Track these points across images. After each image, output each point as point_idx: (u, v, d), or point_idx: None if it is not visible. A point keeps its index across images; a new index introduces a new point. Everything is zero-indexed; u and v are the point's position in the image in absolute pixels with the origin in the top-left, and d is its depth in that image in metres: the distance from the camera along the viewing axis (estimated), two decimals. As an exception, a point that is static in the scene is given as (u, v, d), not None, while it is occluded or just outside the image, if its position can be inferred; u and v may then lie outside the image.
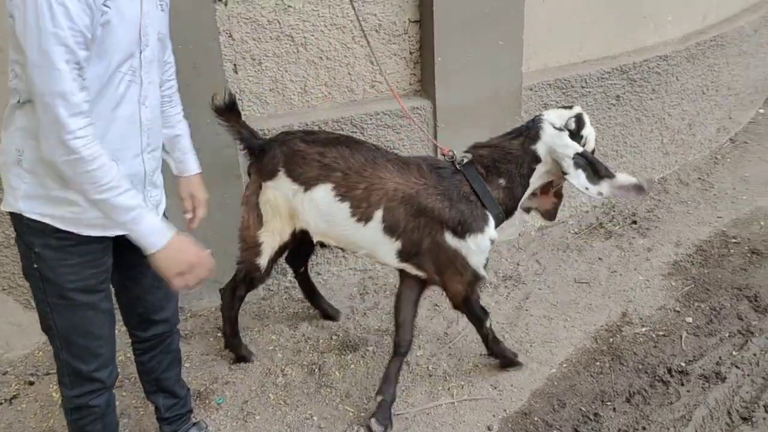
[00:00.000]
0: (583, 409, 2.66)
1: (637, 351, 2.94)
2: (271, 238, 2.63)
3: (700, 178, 4.38)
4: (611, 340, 3.02)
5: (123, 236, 1.83)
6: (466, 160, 2.49)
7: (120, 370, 2.82)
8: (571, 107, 2.56)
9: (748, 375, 2.77)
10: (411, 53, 3.26)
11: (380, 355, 2.96)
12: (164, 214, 2.07)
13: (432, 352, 2.98)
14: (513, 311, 3.23)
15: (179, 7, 2.65)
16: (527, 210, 2.78)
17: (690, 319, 3.13)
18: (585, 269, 3.53)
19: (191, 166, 2.19)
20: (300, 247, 2.85)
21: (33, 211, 1.76)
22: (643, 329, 3.08)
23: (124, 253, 1.96)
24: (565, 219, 3.93)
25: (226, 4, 2.87)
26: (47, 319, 1.89)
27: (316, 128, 3.09)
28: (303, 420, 2.65)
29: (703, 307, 3.20)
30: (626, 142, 4.07)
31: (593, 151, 2.55)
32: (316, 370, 2.89)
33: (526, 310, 3.24)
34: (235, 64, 2.99)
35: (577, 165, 2.44)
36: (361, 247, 2.57)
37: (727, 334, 3.01)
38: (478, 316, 2.69)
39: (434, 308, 3.26)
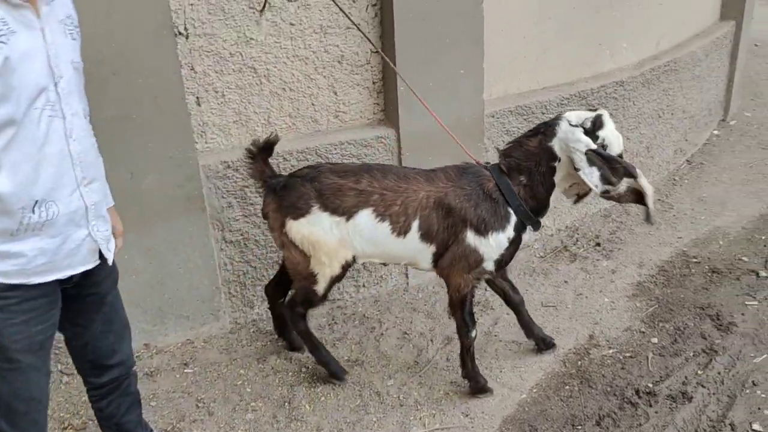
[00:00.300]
0: (555, 433, 2.66)
1: (605, 373, 2.97)
2: (323, 268, 2.66)
3: (659, 200, 4.48)
4: (580, 363, 3.04)
5: (69, 285, 1.78)
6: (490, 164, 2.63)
7: (84, 410, 2.77)
8: (595, 109, 2.59)
9: (714, 394, 2.81)
10: (374, 83, 3.29)
11: (351, 385, 2.93)
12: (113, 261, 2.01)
13: (402, 382, 2.97)
14: (482, 337, 3.23)
15: (139, 41, 2.66)
16: None
17: (655, 340, 3.17)
18: (551, 293, 3.56)
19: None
20: (284, 279, 2.89)
21: None
22: (611, 351, 3.11)
23: (71, 302, 1.91)
24: (530, 243, 3.97)
25: (187, 38, 2.86)
26: None
27: (286, 156, 3.10)
28: (273, 456, 2.61)
29: (668, 327, 3.25)
30: (587, 165, 4.14)
31: (620, 157, 2.53)
32: (286, 403, 2.85)
33: (495, 335, 3.25)
34: (197, 97, 2.97)
35: (590, 162, 2.48)
36: (403, 258, 2.71)
37: (691, 354, 3.06)
38: (466, 322, 2.74)
39: (403, 337, 3.25)
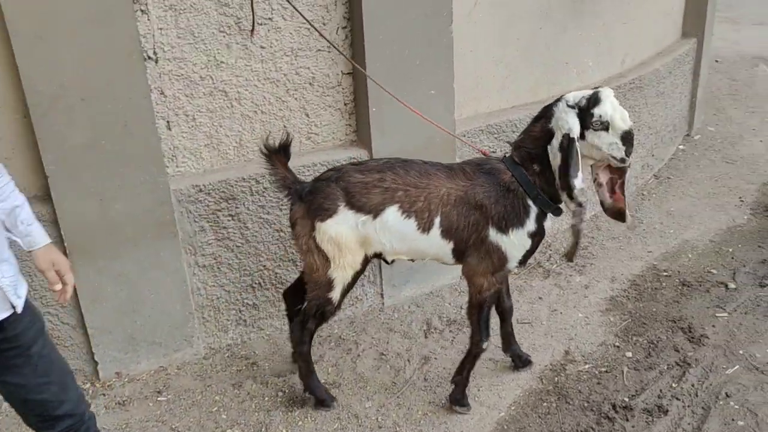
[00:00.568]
0: (534, 451, 2.67)
1: (581, 389, 2.98)
2: (343, 272, 2.66)
3: (630, 215, 4.53)
4: (556, 379, 3.06)
5: None
6: (501, 155, 2.66)
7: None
8: (597, 88, 2.54)
9: (689, 406, 2.84)
10: (345, 104, 3.30)
11: (328, 409, 2.91)
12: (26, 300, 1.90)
13: (381, 403, 2.95)
14: (459, 356, 3.21)
15: (107, 66, 2.65)
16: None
17: (630, 354, 3.20)
18: (526, 309, 3.58)
19: (40, 237, 1.93)
20: (303, 284, 2.85)
21: None
22: (586, 366, 3.13)
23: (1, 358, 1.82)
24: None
25: (156, 62, 2.85)
26: None
27: (259, 179, 3.08)
28: (251, 484, 2.57)
29: (641, 341, 3.28)
30: (558, 182, 4.19)
31: (626, 134, 2.46)
32: (263, 429, 2.81)
33: (472, 353, 3.25)
34: (168, 121, 2.95)
35: (560, 146, 2.48)
36: (428, 254, 2.71)
37: (665, 367, 3.09)
38: (480, 329, 2.76)
39: (380, 357, 3.23)
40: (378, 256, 2.71)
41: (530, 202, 2.60)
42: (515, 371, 3.10)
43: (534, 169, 2.59)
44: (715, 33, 6.08)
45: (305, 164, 3.18)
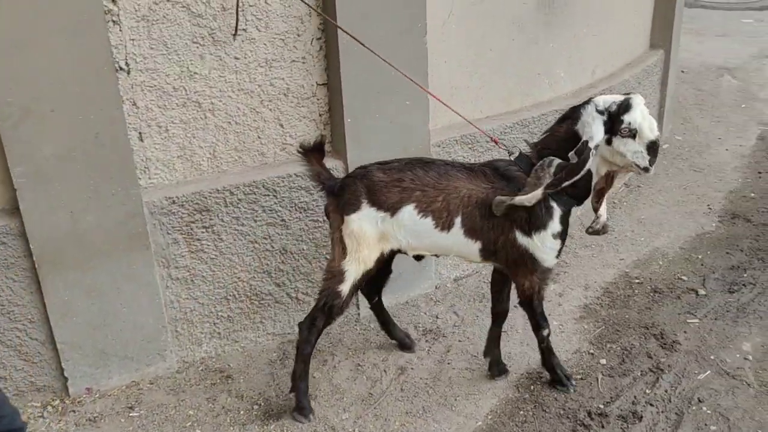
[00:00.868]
0: (511, 460, 2.67)
1: (557, 396, 3.00)
2: (356, 266, 2.75)
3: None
4: (532, 387, 3.07)
5: None
6: (518, 152, 2.70)
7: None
8: (628, 94, 2.56)
9: (663, 412, 2.88)
10: (320, 115, 3.29)
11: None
12: None
13: (357, 414, 2.93)
14: (435, 365, 3.23)
15: (78, 77, 2.61)
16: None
17: (604, 361, 3.23)
18: (502, 318, 3.59)
19: None
20: (375, 277, 2.94)
21: None
22: (562, 374, 3.16)
23: None
24: (479, 268, 4.01)
25: (128, 73, 2.82)
26: None
27: (233, 190, 3.06)
28: (227, 499, 2.53)
29: (615, 347, 3.32)
30: (531, 191, 4.23)
31: (652, 144, 2.47)
32: (239, 444, 2.78)
33: (449, 363, 3.25)
34: (140, 132, 2.92)
35: (577, 151, 2.49)
36: (451, 251, 2.80)
37: (639, 373, 3.12)
38: (537, 321, 2.89)
39: (357, 368, 3.22)
40: (399, 251, 2.82)
41: (553, 204, 2.62)
42: (492, 380, 3.11)
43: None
44: (680, 44, 6.21)
45: (280, 175, 3.17)
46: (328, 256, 3.20)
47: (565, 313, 3.63)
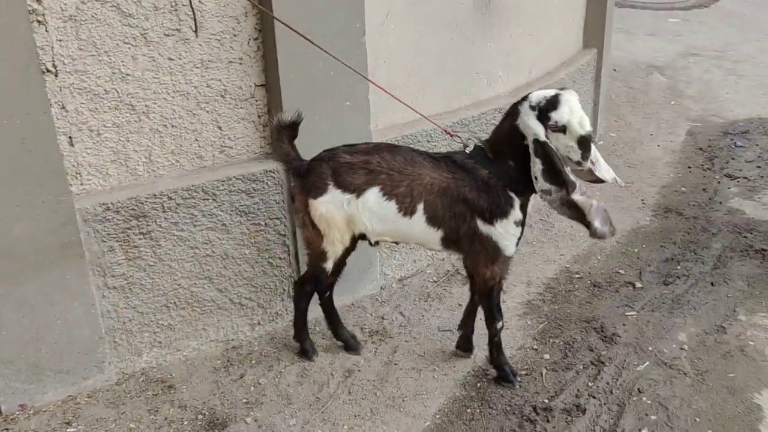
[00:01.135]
0: (460, 458, 2.68)
1: (503, 393, 3.03)
2: (333, 246, 2.87)
3: (541, 219, 4.68)
4: (479, 385, 3.09)
5: None
6: (472, 145, 2.75)
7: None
8: (561, 89, 2.57)
9: (605, 404, 2.94)
10: (259, 116, 3.23)
11: (251, 429, 2.83)
12: None
13: (305, 419, 2.89)
14: (382, 367, 3.22)
15: (2, 80, 2.48)
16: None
17: (547, 356, 3.28)
18: (447, 317, 3.61)
19: None
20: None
21: None
22: (507, 370, 3.19)
23: None
24: (423, 268, 4.02)
25: (56, 75, 2.70)
26: None
27: (171, 195, 2.97)
28: None
29: (558, 342, 3.38)
30: (472, 190, 4.27)
31: (582, 139, 2.47)
32: (183, 456, 2.71)
33: (395, 364, 3.24)
34: (70, 137, 2.80)
35: (535, 152, 2.53)
36: (412, 238, 2.85)
37: (581, 367, 3.19)
38: (493, 314, 2.93)
39: (303, 373, 3.17)
40: (363, 237, 2.87)
41: (512, 194, 2.67)
42: (437, 380, 3.12)
43: (510, 164, 2.66)
44: (612, 43, 6.38)
45: (219, 178, 3.10)
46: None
47: (509, 309, 3.67)
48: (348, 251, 2.92)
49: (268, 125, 3.27)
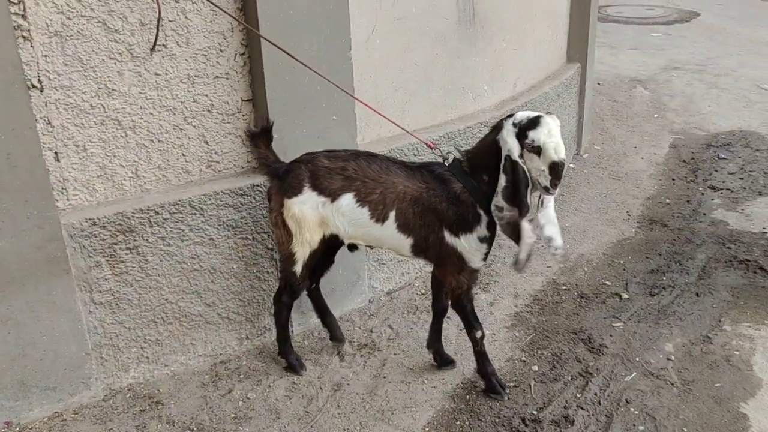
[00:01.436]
0: (449, 471, 2.68)
1: (492, 405, 3.03)
2: (302, 247, 2.91)
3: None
4: (468, 397, 3.10)
5: None
6: (452, 158, 2.77)
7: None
8: (547, 113, 2.55)
9: (593, 415, 2.95)
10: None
11: (239, 445, 2.82)
12: None
13: (293, 435, 2.88)
14: (371, 380, 3.22)
15: (-11, 96, 2.47)
16: None
17: (536, 367, 3.29)
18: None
19: None
20: (316, 265, 3.10)
21: None
22: (495, 382, 3.19)
23: None
24: (411, 281, 4.03)
25: (42, 90, 2.70)
26: None
27: (158, 210, 2.97)
28: None
29: (546, 354, 3.39)
30: (459, 203, 4.29)
31: (554, 164, 2.44)
32: (170, 472, 2.68)
33: (384, 377, 3.24)
34: (56, 152, 2.80)
35: (504, 169, 2.54)
36: (384, 243, 2.91)
37: (569, 378, 3.20)
38: (470, 322, 2.97)
39: (292, 387, 3.16)
40: (336, 238, 2.93)
41: (481, 211, 2.68)
42: (427, 393, 3.11)
43: (484, 179, 2.68)
44: (595, 58, 6.46)
45: (206, 193, 3.10)
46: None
47: (497, 321, 3.69)
48: (315, 254, 2.95)
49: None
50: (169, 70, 2.96)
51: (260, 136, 2.91)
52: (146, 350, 3.16)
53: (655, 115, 7.18)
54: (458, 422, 2.94)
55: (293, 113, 3.17)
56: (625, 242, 4.59)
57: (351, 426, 2.93)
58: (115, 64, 2.83)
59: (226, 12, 2.94)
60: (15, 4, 2.56)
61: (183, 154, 3.11)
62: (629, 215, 4.99)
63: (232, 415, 2.99)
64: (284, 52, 2.89)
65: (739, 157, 5.99)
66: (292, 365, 3.24)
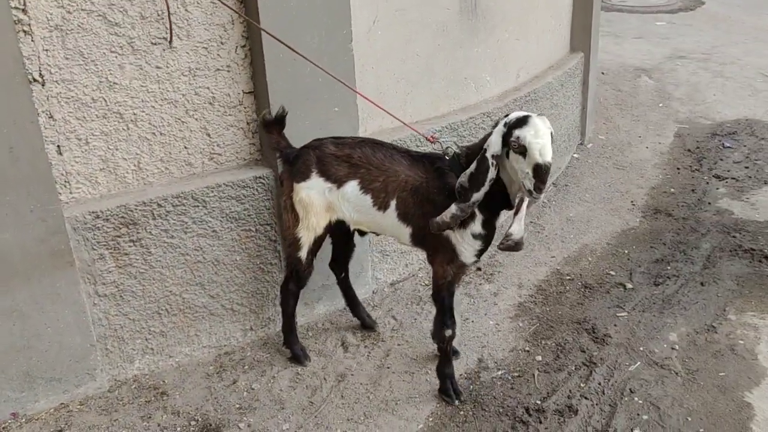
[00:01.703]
0: (453, 460, 2.69)
1: (496, 395, 3.04)
2: (307, 232, 2.96)
3: (531, 222, 4.70)
4: (471, 387, 3.10)
5: None
6: (451, 152, 2.76)
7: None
8: (539, 115, 2.46)
9: (597, 404, 2.96)
10: (248, 123, 3.25)
11: (243, 436, 2.83)
12: None
13: (299, 424, 2.89)
14: (375, 370, 3.22)
15: (-10, 90, 2.48)
16: None
17: (539, 357, 3.29)
18: (439, 320, 3.61)
19: None
20: (339, 253, 3.27)
21: None
22: (499, 373, 3.20)
23: None
24: (415, 272, 4.03)
25: (43, 84, 2.70)
26: None
27: (161, 202, 2.97)
28: None
29: (550, 344, 3.39)
30: (463, 194, 4.28)
31: (538, 167, 2.34)
32: (175, 463, 2.70)
33: (388, 367, 3.25)
34: (58, 146, 2.81)
35: (478, 159, 2.55)
36: (386, 230, 2.95)
37: (573, 368, 3.20)
38: (443, 318, 2.92)
39: (296, 377, 3.18)
40: (344, 223, 2.97)
41: (475, 209, 2.66)
42: (431, 383, 3.12)
43: None
44: (599, 47, 6.43)
45: (209, 185, 3.10)
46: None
47: (501, 312, 3.69)
48: (320, 240, 3.00)
49: (258, 132, 3.28)
50: (170, 62, 2.96)
51: (274, 124, 2.96)
52: (151, 342, 3.18)
53: (660, 105, 7.15)
54: (462, 412, 2.95)
55: (295, 105, 3.16)
56: (630, 232, 4.58)
57: (355, 416, 2.94)
58: (116, 57, 2.83)
59: (226, 4, 2.94)
60: (15, -3, 2.56)
61: (185, 147, 3.11)
62: (634, 205, 4.97)
63: (237, 406, 3.00)
64: (284, 44, 2.89)
65: (745, 146, 5.96)
66: (297, 356, 3.26)
